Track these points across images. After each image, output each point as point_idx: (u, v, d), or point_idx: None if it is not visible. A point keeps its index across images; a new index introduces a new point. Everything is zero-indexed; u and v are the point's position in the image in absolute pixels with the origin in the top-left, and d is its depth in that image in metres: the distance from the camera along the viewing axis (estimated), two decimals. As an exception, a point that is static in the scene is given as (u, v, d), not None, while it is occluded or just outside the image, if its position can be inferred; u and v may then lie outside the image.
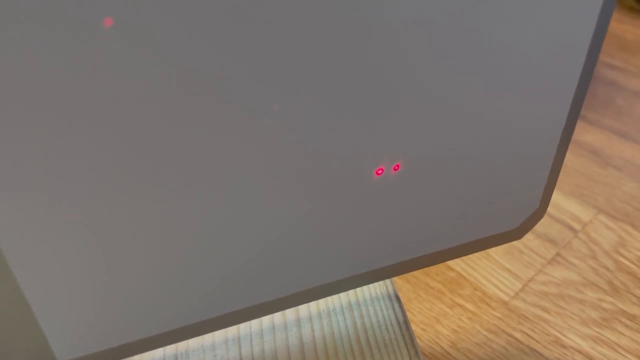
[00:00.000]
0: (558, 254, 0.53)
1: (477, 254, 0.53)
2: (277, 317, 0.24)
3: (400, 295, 0.49)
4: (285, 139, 0.16)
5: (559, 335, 0.46)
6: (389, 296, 0.25)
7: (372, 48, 0.16)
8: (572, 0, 0.17)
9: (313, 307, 0.24)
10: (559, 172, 0.22)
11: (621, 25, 0.92)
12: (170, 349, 0.23)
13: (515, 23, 0.17)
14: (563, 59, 0.18)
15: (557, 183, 0.60)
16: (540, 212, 0.23)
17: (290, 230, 0.19)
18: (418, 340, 0.46)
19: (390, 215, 0.20)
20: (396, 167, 0.19)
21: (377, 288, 0.25)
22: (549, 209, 0.57)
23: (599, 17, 0.18)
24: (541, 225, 0.55)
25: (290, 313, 0.24)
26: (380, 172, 0.19)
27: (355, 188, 0.19)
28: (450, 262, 0.52)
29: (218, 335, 0.23)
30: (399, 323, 0.24)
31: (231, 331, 0.24)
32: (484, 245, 0.23)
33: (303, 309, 0.24)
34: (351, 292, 0.25)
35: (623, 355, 0.45)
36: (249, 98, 0.15)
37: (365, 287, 0.25)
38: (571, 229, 0.55)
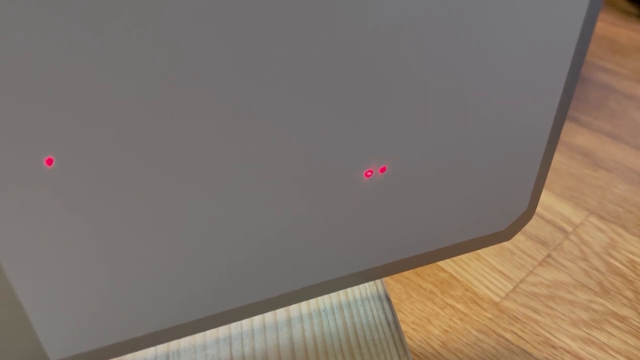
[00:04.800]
0: (549, 256, 0.53)
1: (468, 255, 0.53)
2: (268, 316, 0.24)
3: (392, 295, 0.49)
4: (274, 139, 0.17)
5: (549, 335, 0.46)
6: (379, 296, 0.25)
7: (361, 52, 0.16)
8: (558, 0, 0.17)
9: (304, 307, 0.25)
10: (547, 173, 0.22)
11: (614, 28, 0.92)
12: (161, 348, 0.23)
13: (502, 24, 0.17)
14: (550, 58, 0.18)
15: (549, 185, 0.60)
16: (528, 213, 0.23)
17: (281, 230, 0.19)
18: (409, 340, 0.46)
19: (380, 216, 0.20)
20: (383, 169, 0.19)
21: (367, 288, 0.25)
22: (541, 211, 0.58)
23: (585, 17, 0.18)
24: (532, 227, 0.56)
25: (281, 313, 0.24)
26: (369, 173, 0.19)
27: (346, 189, 0.19)
28: (441, 263, 0.52)
29: (209, 334, 0.24)
30: (388, 323, 0.24)
31: (222, 331, 0.24)
32: (473, 247, 0.23)
33: (294, 308, 0.25)
34: (342, 292, 0.25)
35: (612, 356, 0.45)
36: (240, 102, 0.15)
37: (355, 288, 0.25)
38: (562, 230, 0.56)
